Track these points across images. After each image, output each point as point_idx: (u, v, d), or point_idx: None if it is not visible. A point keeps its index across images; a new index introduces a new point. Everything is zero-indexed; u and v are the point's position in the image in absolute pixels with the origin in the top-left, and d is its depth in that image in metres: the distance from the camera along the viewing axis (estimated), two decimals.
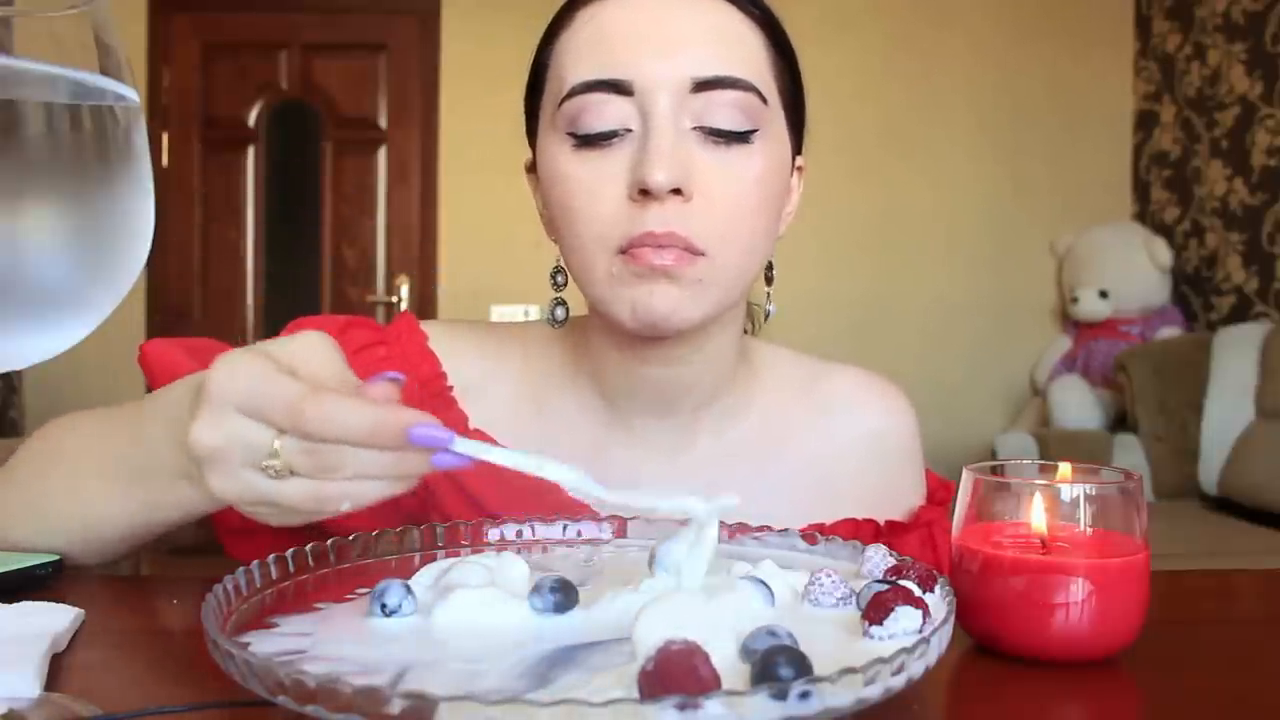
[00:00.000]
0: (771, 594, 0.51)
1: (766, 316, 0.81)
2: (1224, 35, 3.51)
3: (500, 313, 3.73)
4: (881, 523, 0.81)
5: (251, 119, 3.90)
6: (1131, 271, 3.59)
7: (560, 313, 0.77)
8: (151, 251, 0.45)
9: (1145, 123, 3.92)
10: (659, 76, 0.66)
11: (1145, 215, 3.92)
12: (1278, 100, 3.29)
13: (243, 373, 0.47)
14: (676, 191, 0.66)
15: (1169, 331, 3.56)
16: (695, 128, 0.67)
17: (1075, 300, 3.67)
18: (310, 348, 0.51)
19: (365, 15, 3.92)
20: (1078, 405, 3.44)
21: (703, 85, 0.67)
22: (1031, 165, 3.89)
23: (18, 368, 0.42)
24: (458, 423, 0.78)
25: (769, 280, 0.79)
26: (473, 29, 3.84)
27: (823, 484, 0.81)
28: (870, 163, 3.82)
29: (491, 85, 3.94)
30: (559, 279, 0.77)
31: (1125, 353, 3.35)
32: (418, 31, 3.89)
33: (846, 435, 0.82)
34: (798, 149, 0.77)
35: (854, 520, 0.80)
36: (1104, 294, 3.61)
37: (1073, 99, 3.90)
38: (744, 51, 0.69)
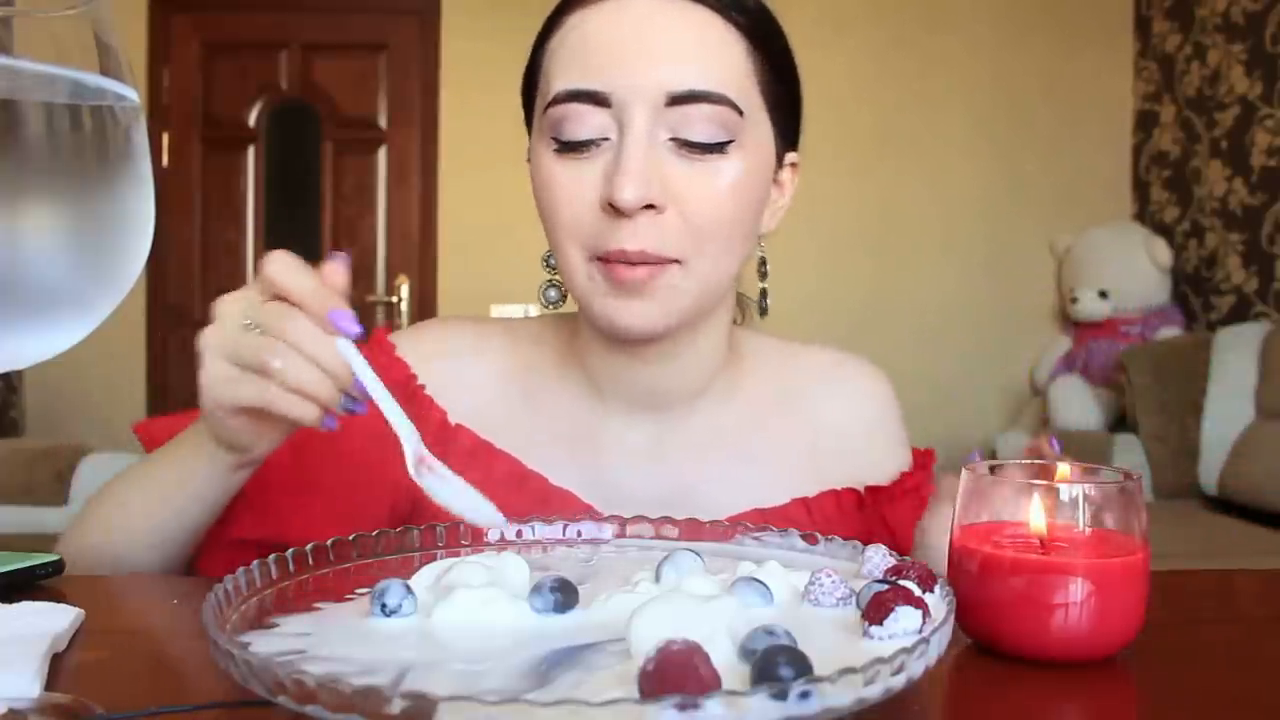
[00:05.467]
0: (770, 593, 0.51)
1: (763, 312, 0.83)
2: (1224, 35, 3.51)
3: (500, 313, 3.73)
4: (863, 490, 0.82)
5: (251, 119, 3.90)
6: (1131, 271, 3.59)
7: (552, 294, 0.80)
8: (151, 251, 0.45)
9: (1145, 123, 3.92)
10: (635, 89, 0.68)
11: (1145, 215, 3.92)
12: (1278, 100, 3.29)
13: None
14: (649, 206, 0.68)
15: (1169, 331, 3.56)
16: (671, 139, 0.69)
17: (1075, 300, 3.67)
18: None
19: (365, 15, 3.92)
20: (1078, 405, 3.44)
21: (677, 99, 0.68)
22: (1031, 165, 3.89)
23: (18, 368, 0.42)
24: (437, 420, 0.80)
25: (763, 276, 0.81)
26: (473, 28, 3.84)
27: (806, 462, 0.83)
28: (868, 164, 3.82)
29: (491, 85, 3.93)
30: (551, 261, 0.78)
31: (1125, 353, 3.35)
32: (418, 31, 3.89)
33: (823, 414, 0.85)
34: (792, 145, 0.79)
35: (835, 492, 0.82)
36: (1104, 294, 3.61)
37: (1072, 99, 3.90)
38: (723, 62, 0.70)
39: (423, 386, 0.82)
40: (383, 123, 3.92)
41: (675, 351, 0.77)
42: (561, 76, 0.71)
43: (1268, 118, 3.32)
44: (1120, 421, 3.42)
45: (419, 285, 3.89)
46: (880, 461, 0.85)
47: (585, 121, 0.69)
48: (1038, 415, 3.66)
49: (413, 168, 3.91)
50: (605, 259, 0.69)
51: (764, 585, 0.51)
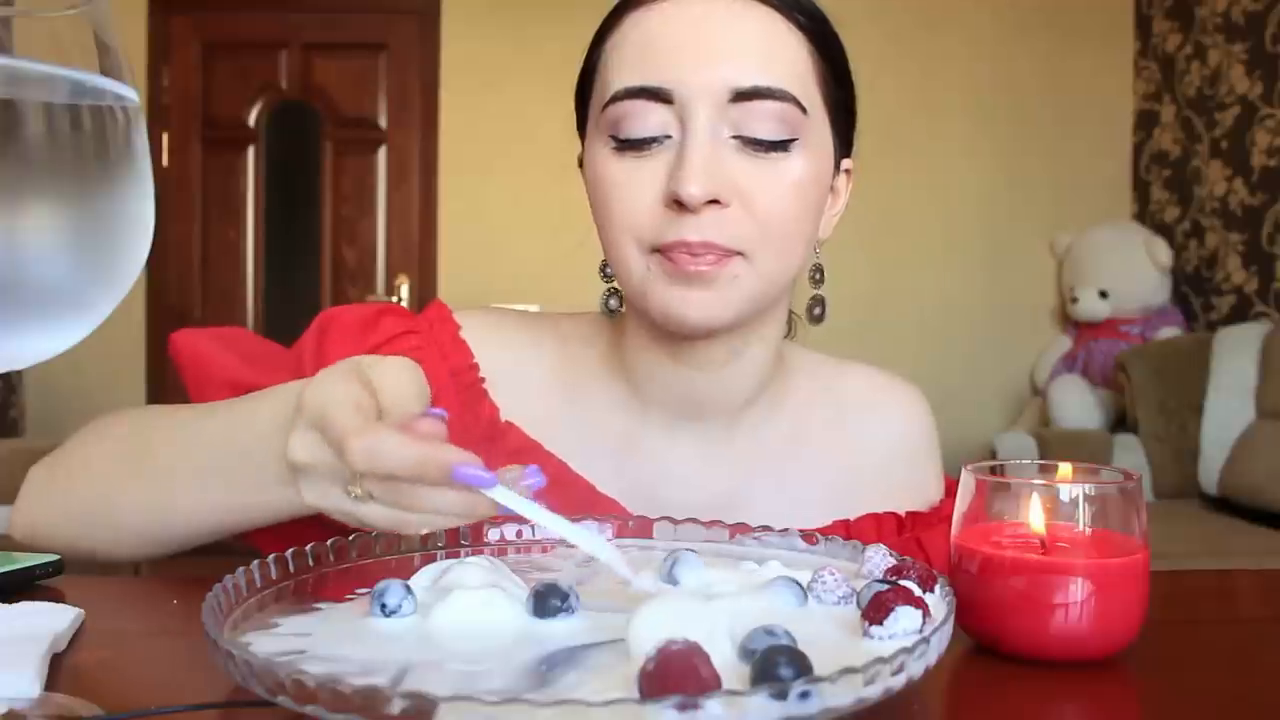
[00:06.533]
0: (804, 594, 0.51)
1: (819, 320, 0.81)
2: (1224, 35, 3.51)
3: None
4: (903, 514, 0.81)
5: (251, 119, 3.91)
6: (1131, 271, 3.59)
7: (615, 303, 0.78)
8: (151, 251, 0.45)
9: (1145, 123, 3.92)
10: (699, 86, 0.67)
11: (1145, 215, 3.92)
12: (1278, 100, 3.29)
13: (322, 397, 0.51)
14: (713, 201, 0.67)
15: (1169, 331, 3.56)
16: (734, 136, 0.68)
17: (1075, 300, 3.67)
18: (397, 371, 0.54)
19: (365, 15, 3.92)
20: (1078, 405, 3.44)
21: (741, 96, 0.67)
22: (1031, 165, 3.89)
23: (18, 368, 0.42)
24: (487, 416, 0.79)
25: (817, 284, 0.79)
26: (473, 28, 3.84)
27: (846, 482, 0.81)
28: (868, 164, 3.74)
29: (491, 85, 3.96)
30: (608, 270, 0.77)
31: (1125, 353, 3.35)
32: (418, 31, 3.89)
33: (866, 435, 0.83)
34: (846, 153, 0.78)
35: (875, 515, 0.81)
36: (1104, 294, 3.61)
37: (1072, 98, 3.90)
38: (786, 60, 0.70)
39: (483, 379, 0.80)
40: (383, 123, 3.92)
41: (722, 359, 0.75)
42: (622, 74, 0.69)
43: (1268, 118, 3.32)
44: (1120, 421, 3.42)
45: (419, 285, 3.89)
46: (919, 486, 0.84)
47: (646, 119, 0.68)
48: (1038, 415, 3.66)
49: (413, 168, 3.91)
50: (666, 250, 0.68)
51: (799, 585, 0.51)
